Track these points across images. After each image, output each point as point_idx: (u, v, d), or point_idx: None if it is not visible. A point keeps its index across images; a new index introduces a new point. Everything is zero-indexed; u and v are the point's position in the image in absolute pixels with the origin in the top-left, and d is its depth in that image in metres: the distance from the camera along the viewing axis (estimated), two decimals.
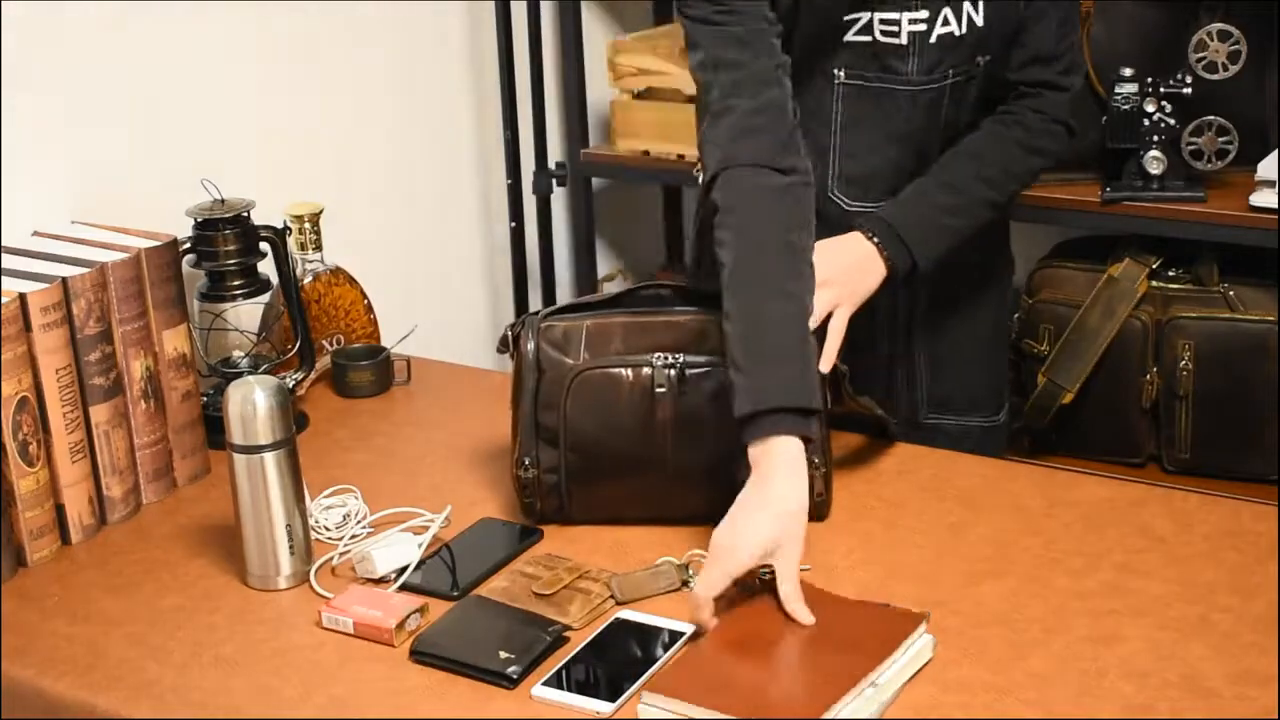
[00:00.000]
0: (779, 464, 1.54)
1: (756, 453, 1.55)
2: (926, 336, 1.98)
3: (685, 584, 1.60)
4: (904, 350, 1.99)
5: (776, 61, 1.71)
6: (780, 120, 1.70)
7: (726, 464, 1.67)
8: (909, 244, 1.79)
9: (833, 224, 1.81)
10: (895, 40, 1.77)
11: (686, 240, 2.83)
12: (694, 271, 2.01)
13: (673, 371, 1.67)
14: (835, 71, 1.80)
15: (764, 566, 1.53)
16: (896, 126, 1.82)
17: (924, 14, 1.76)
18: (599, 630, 1.53)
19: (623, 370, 1.69)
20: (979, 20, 1.77)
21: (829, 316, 1.72)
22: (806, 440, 1.56)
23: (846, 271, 1.76)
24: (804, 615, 1.49)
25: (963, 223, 1.85)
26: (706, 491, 1.68)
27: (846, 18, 1.76)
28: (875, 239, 1.79)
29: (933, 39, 1.77)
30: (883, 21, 1.76)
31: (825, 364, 1.69)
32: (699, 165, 1.77)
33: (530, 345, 1.71)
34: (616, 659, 1.50)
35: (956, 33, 1.77)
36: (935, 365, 2.00)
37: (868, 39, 1.77)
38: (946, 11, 1.76)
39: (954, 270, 1.89)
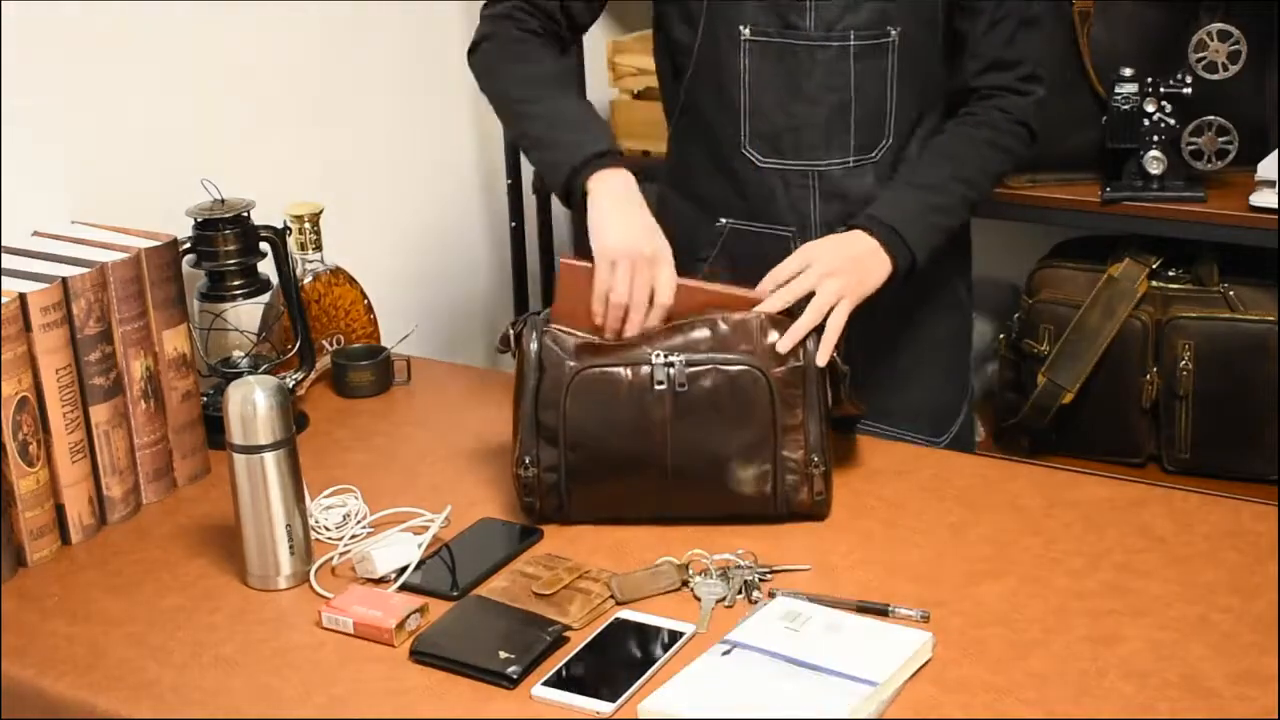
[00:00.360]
0: (607, 178, 1.76)
1: (596, 186, 1.76)
2: (863, 339, 1.92)
3: (685, 584, 1.60)
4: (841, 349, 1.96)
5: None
6: (546, 26, 1.92)
7: (725, 463, 1.68)
8: (908, 241, 1.81)
9: (747, 182, 1.91)
10: None
11: None
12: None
13: (671, 370, 1.68)
14: (740, 29, 1.86)
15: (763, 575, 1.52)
16: (800, 84, 1.87)
17: None
18: (599, 630, 1.53)
19: (622, 369, 1.69)
20: None
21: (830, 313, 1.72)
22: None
23: (855, 261, 1.78)
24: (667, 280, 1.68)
25: (949, 221, 1.89)
26: (706, 490, 1.69)
27: None
28: (877, 236, 1.80)
29: None
30: None
31: (822, 357, 1.69)
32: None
33: (533, 344, 1.72)
34: (616, 659, 1.50)
35: None
36: (870, 370, 1.96)
37: None
38: None
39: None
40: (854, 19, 1.84)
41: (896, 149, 1.91)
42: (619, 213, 1.76)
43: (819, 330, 1.71)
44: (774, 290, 1.73)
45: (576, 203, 1.80)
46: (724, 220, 1.96)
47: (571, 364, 1.70)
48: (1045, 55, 1.95)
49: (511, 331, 1.74)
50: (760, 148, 1.91)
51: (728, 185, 1.94)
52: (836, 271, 1.74)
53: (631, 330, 1.71)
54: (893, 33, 1.85)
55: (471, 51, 1.95)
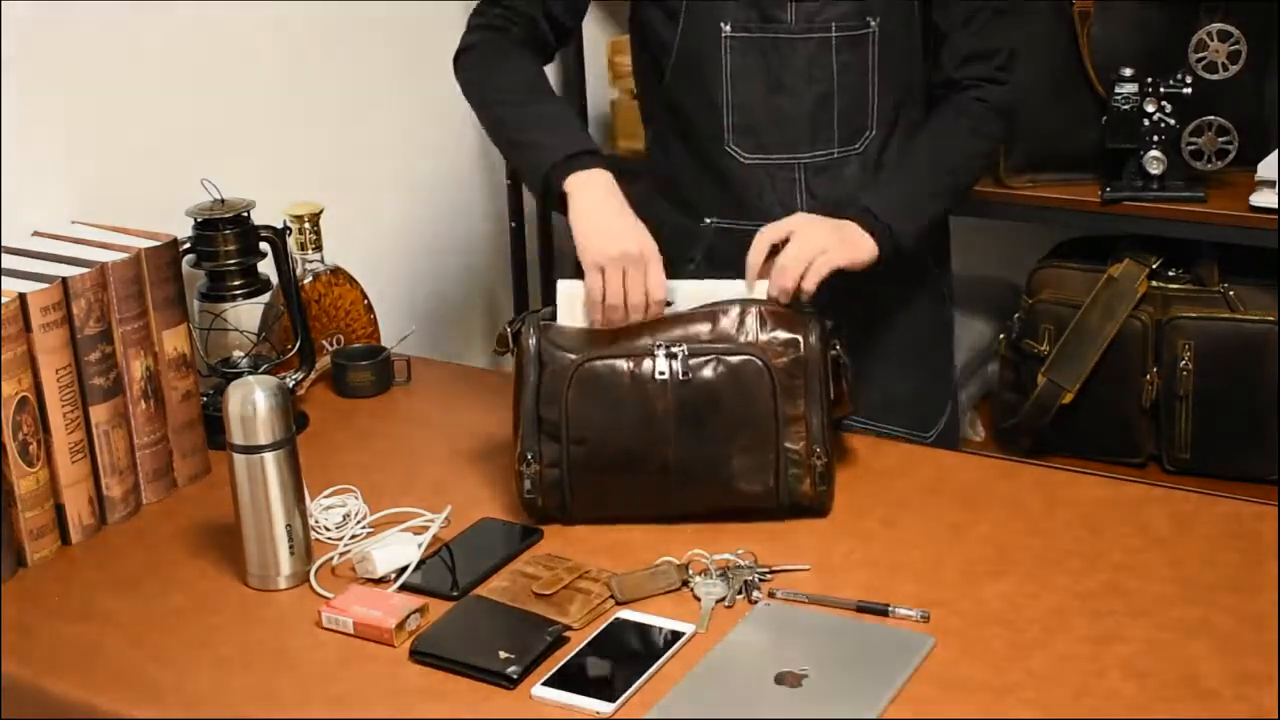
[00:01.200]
0: (586, 178, 1.77)
1: (574, 189, 1.77)
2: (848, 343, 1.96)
3: (685, 584, 1.60)
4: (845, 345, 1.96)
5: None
6: (527, 35, 1.95)
7: (728, 453, 1.68)
8: (892, 226, 1.81)
9: (732, 179, 1.91)
10: None
11: None
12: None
13: (675, 361, 1.68)
14: (721, 24, 1.87)
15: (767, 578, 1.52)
16: (782, 78, 1.88)
17: None
18: (599, 630, 1.53)
19: (625, 362, 1.70)
20: None
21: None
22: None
23: (842, 230, 1.80)
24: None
25: (935, 208, 1.91)
26: (709, 483, 1.69)
27: None
28: (861, 221, 1.81)
29: None
30: None
31: (810, 281, 1.73)
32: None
33: (531, 340, 1.72)
34: (616, 659, 1.50)
35: None
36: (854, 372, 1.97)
37: None
38: None
39: (867, 281, 1.88)
40: (834, 11, 1.85)
41: (880, 139, 1.92)
42: (600, 215, 1.77)
43: (821, 325, 1.71)
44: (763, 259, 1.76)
45: (555, 204, 1.81)
46: (709, 220, 1.96)
47: (572, 358, 1.70)
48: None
49: (509, 330, 1.74)
50: (744, 144, 1.91)
51: (712, 184, 1.94)
52: (823, 234, 1.76)
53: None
54: (872, 24, 1.86)
55: (456, 61, 1.97)
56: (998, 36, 1.92)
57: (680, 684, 1.44)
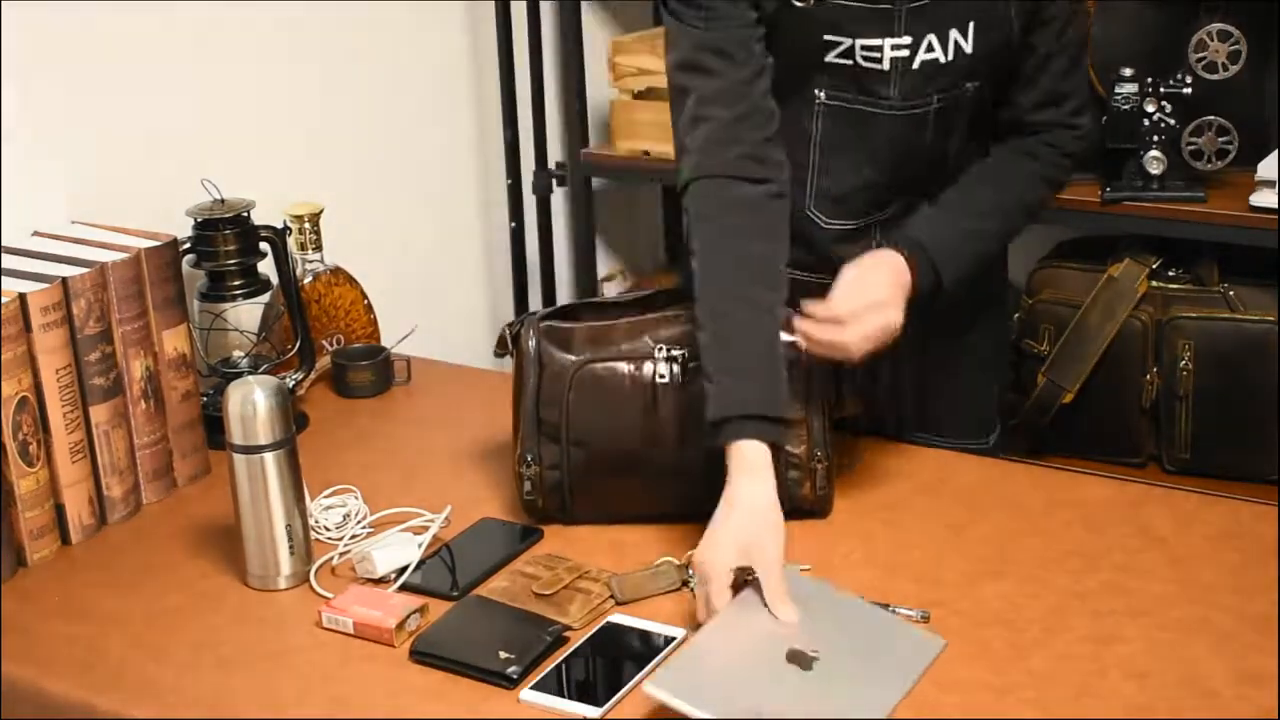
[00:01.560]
0: (745, 467, 1.56)
1: (727, 459, 1.57)
2: (915, 355, 1.92)
3: (685, 584, 1.60)
4: (889, 365, 1.90)
5: (756, 68, 1.70)
6: (757, 130, 1.70)
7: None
8: (937, 264, 1.74)
9: (810, 242, 1.82)
10: (877, 66, 1.73)
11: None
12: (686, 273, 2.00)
13: (675, 365, 1.68)
14: (816, 92, 1.76)
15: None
16: (876, 148, 1.79)
17: (907, 40, 1.71)
18: (590, 633, 1.53)
19: (625, 364, 1.70)
20: (967, 48, 1.73)
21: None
22: (775, 447, 1.58)
23: (871, 308, 1.69)
24: (787, 614, 1.49)
25: (982, 248, 1.83)
26: (709, 485, 1.68)
27: (826, 37, 1.72)
28: (904, 255, 1.73)
29: (916, 65, 1.73)
30: (864, 47, 1.72)
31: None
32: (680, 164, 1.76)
33: (531, 342, 1.72)
34: (607, 662, 1.50)
35: (941, 60, 1.73)
36: (922, 385, 1.96)
37: (849, 63, 1.74)
38: (932, 38, 1.72)
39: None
40: (936, 84, 1.75)
41: (946, 182, 1.85)
42: (724, 518, 1.58)
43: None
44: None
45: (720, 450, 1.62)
46: (782, 268, 1.78)
47: (572, 360, 1.70)
48: (1088, 88, 1.89)
49: (509, 333, 1.74)
50: (826, 209, 1.83)
51: (790, 239, 1.80)
52: (882, 304, 1.67)
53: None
54: (969, 88, 1.77)
55: (683, 190, 1.74)
56: (1075, 81, 1.83)
57: (692, 645, 1.44)
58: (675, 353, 1.69)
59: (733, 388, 1.60)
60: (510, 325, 1.75)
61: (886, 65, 1.72)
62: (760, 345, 1.63)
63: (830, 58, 1.73)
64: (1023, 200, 1.86)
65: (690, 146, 1.71)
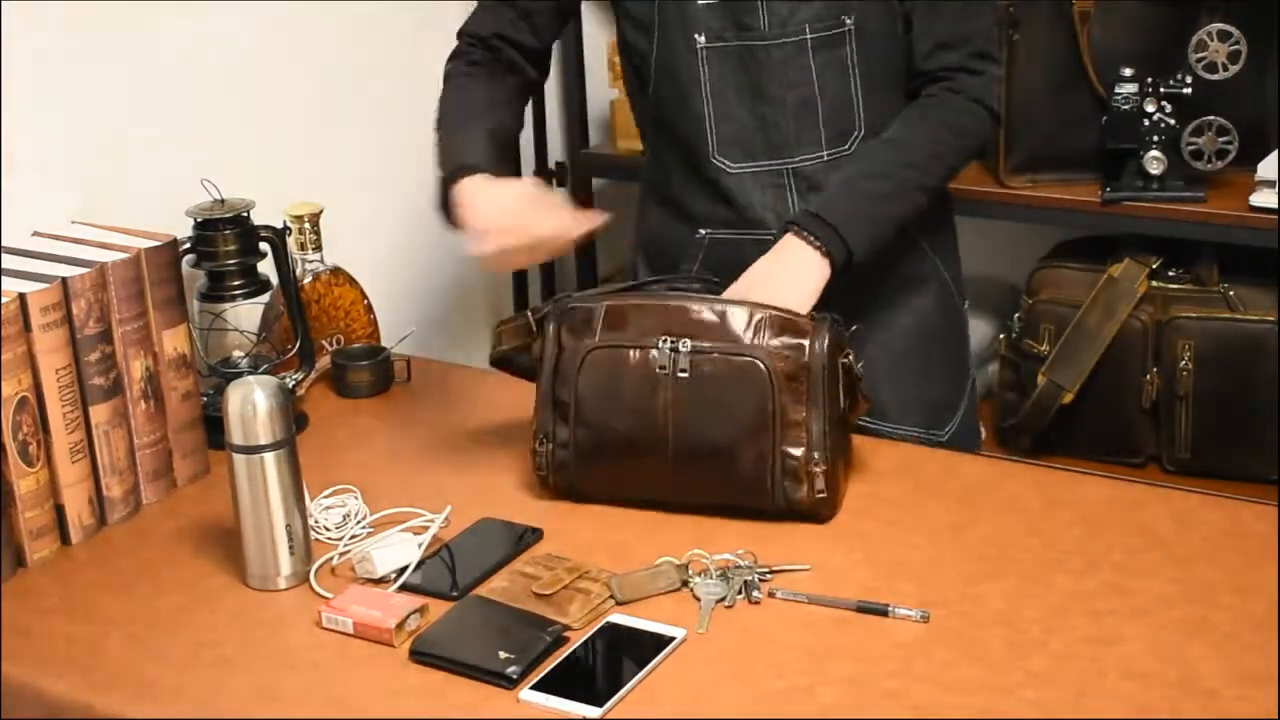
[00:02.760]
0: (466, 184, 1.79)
1: (459, 191, 1.80)
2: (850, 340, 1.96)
3: (685, 584, 1.60)
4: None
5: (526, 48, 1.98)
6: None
7: (725, 449, 1.68)
8: (842, 233, 1.78)
9: (722, 189, 1.89)
10: None
11: None
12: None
13: (677, 355, 1.68)
14: (696, 37, 1.86)
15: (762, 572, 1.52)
16: (762, 86, 1.86)
17: None
18: (589, 634, 1.53)
19: (630, 350, 1.71)
20: None
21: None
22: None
23: (778, 283, 1.76)
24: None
25: (897, 209, 1.85)
26: (707, 476, 1.70)
27: None
28: (807, 234, 1.78)
29: None
30: None
31: None
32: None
33: (551, 325, 1.76)
34: (607, 662, 1.50)
35: None
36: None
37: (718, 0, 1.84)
38: None
39: (872, 269, 1.87)
40: (807, 13, 1.84)
41: (870, 139, 1.89)
42: (473, 200, 1.80)
43: (831, 332, 1.70)
44: None
45: (454, 218, 1.83)
46: (704, 231, 1.95)
47: (586, 342, 1.73)
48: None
49: (532, 318, 1.78)
50: (730, 153, 1.90)
51: (704, 195, 1.94)
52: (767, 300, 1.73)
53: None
54: (848, 22, 1.84)
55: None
56: (971, 24, 1.87)
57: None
58: (676, 343, 1.69)
59: (449, 164, 1.84)
60: (534, 310, 1.80)
61: None
62: (472, 134, 1.89)
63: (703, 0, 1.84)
64: (933, 153, 1.87)
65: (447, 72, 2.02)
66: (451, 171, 1.83)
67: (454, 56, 2.02)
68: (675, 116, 1.93)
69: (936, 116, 1.88)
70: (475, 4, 2.02)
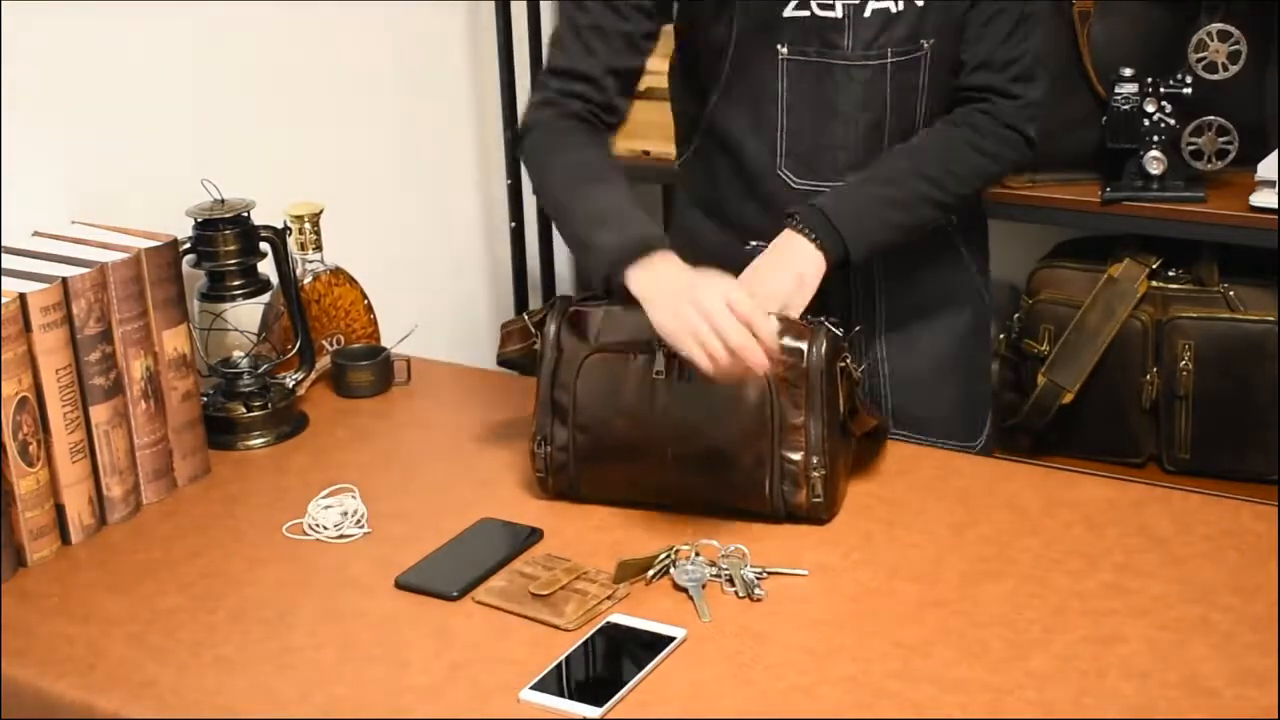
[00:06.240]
0: (658, 260, 1.67)
1: (636, 282, 1.66)
2: (889, 352, 1.96)
3: (667, 571, 1.61)
4: (864, 365, 1.93)
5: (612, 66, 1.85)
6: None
7: (722, 453, 1.69)
8: (841, 232, 1.77)
9: (781, 202, 1.85)
10: (831, 14, 1.80)
11: None
12: None
13: (676, 359, 1.68)
14: (778, 48, 1.83)
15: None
16: (838, 104, 1.84)
17: None
18: (589, 633, 1.53)
19: (629, 355, 1.72)
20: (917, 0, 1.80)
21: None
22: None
23: (775, 284, 1.75)
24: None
25: (902, 217, 1.83)
26: (705, 479, 1.70)
27: None
28: (806, 228, 1.78)
29: (867, 13, 1.80)
30: None
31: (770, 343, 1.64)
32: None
33: (552, 326, 1.76)
34: (607, 662, 1.50)
35: (892, 9, 1.80)
36: (898, 383, 1.97)
37: (806, 14, 1.81)
38: None
39: (912, 285, 1.89)
40: (890, 36, 1.81)
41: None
42: (663, 286, 1.66)
43: (831, 336, 1.69)
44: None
45: (626, 300, 1.70)
46: (755, 244, 1.89)
47: (586, 345, 1.73)
48: (1043, 54, 1.92)
49: (530, 322, 1.78)
50: (795, 168, 1.87)
51: (759, 208, 1.90)
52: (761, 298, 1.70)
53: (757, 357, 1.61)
54: (925, 45, 1.82)
55: (519, 142, 1.88)
56: (1017, 46, 1.85)
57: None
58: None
59: (612, 237, 1.69)
60: (531, 313, 1.79)
61: (840, 13, 1.80)
62: (620, 199, 1.74)
63: (788, 11, 1.81)
64: (949, 170, 1.85)
65: (524, 120, 1.88)
66: (622, 255, 1.67)
67: (542, 104, 1.86)
68: (741, 126, 1.89)
69: (963, 136, 1.86)
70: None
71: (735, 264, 1.81)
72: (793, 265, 1.78)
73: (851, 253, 1.78)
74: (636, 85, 1.90)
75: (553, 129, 1.84)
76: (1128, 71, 2.44)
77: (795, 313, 1.74)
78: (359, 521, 1.76)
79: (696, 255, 1.72)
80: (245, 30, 2.30)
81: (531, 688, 1.45)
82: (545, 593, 1.58)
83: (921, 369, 1.97)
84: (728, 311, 1.59)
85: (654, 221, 1.73)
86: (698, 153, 1.98)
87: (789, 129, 1.86)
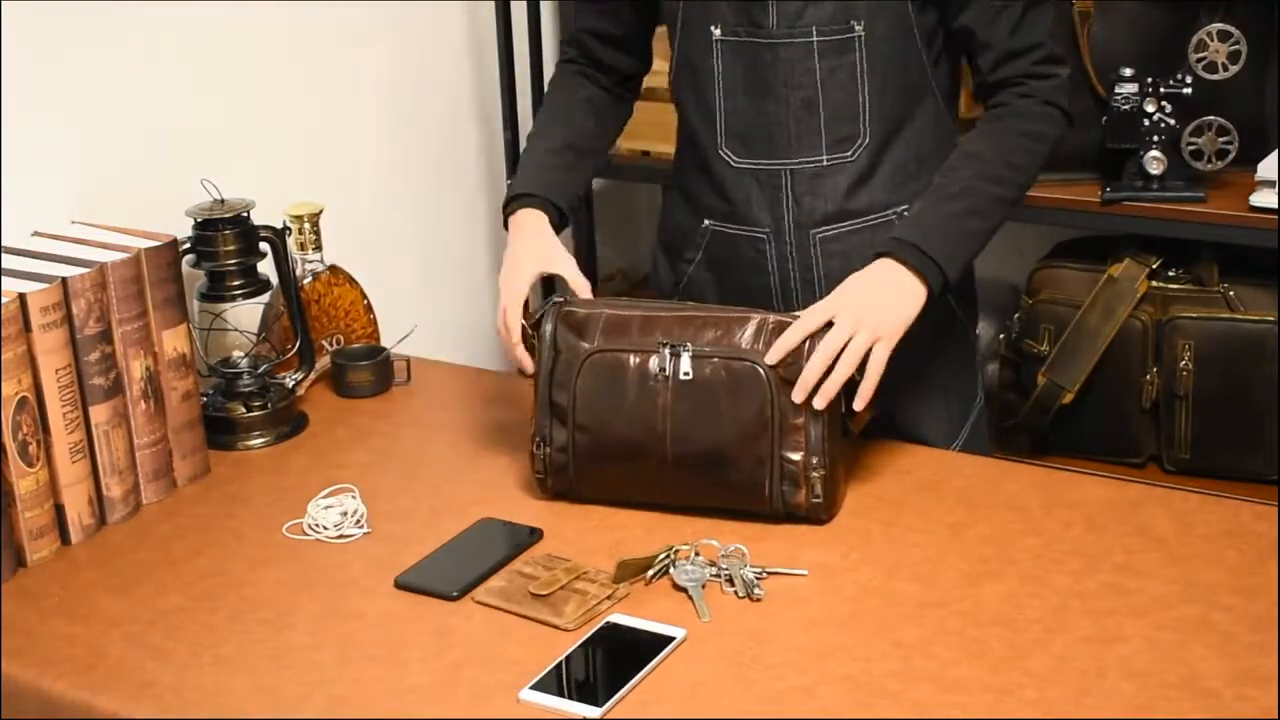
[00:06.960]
0: (522, 220, 1.91)
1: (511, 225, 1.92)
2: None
3: (667, 571, 1.61)
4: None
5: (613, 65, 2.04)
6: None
7: (723, 454, 1.69)
8: (936, 259, 1.74)
9: (725, 182, 1.92)
10: None
11: None
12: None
13: (677, 360, 1.68)
14: (712, 29, 1.88)
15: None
16: (768, 83, 1.87)
17: None
18: (590, 633, 1.53)
19: (630, 355, 1.72)
20: None
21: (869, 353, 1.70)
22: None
23: (881, 298, 1.73)
24: (587, 288, 1.84)
25: (980, 225, 1.82)
26: (704, 479, 1.70)
27: None
28: (903, 260, 1.74)
29: None
30: None
31: (860, 401, 1.69)
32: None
33: (549, 326, 1.76)
34: (607, 662, 1.50)
35: None
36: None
37: None
38: None
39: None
40: (815, 15, 1.83)
41: (874, 148, 1.87)
42: (508, 254, 1.91)
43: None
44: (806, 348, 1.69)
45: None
46: (708, 222, 1.96)
47: (585, 346, 1.73)
48: (1055, 34, 1.90)
49: (526, 326, 1.79)
50: (735, 148, 1.91)
51: (710, 187, 1.95)
52: (865, 317, 1.69)
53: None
54: (857, 28, 1.83)
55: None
56: (1034, 31, 1.85)
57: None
58: (675, 346, 1.69)
59: (519, 178, 1.96)
60: (527, 315, 1.81)
61: None
62: (548, 148, 2.00)
63: None
64: (1009, 163, 1.84)
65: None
66: (510, 198, 1.95)
67: (562, 61, 2.10)
68: (691, 108, 1.95)
69: (1012, 125, 1.85)
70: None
71: (694, 241, 1.99)
72: (897, 297, 1.74)
73: (949, 280, 1.76)
74: (627, 49, 2.06)
75: (554, 78, 2.10)
76: (1128, 71, 2.44)
77: (887, 341, 1.71)
78: (359, 521, 1.76)
79: (667, 234, 1.99)
80: (245, 30, 2.30)
81: (531, 688, 1.45)
82: (545, 593, 1.58)
83: (889, 383, 1.93)
84: (507, 304, 1.83)
85: (548, 174, 1.97)
86: (678, 132, 2.04)
87: (726, 109, 1.90)
